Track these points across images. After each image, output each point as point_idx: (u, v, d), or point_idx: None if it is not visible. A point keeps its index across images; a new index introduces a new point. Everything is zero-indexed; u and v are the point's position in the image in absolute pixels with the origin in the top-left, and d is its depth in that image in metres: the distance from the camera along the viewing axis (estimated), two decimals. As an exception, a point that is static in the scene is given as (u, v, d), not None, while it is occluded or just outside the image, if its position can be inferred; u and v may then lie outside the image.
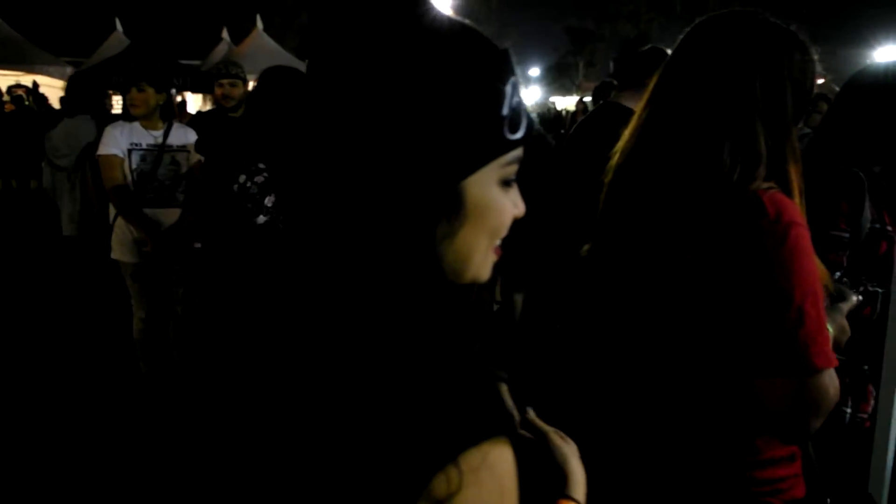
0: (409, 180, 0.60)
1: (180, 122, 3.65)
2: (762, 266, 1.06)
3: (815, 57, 1.17)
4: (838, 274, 1.60)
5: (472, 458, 0.55)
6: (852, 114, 1.76)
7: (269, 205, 2.29)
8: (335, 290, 0.62)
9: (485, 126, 0.63)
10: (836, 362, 1.05)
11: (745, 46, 1.14)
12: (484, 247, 0.66)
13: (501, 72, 0.64)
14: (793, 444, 1.19)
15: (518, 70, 0.67)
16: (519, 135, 0.66)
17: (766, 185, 1.11)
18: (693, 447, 1.19)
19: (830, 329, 1.19)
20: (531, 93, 27.93)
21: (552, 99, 27.47)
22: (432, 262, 0.63)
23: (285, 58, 10.91)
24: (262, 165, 2.29)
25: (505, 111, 0.64)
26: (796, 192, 1.13)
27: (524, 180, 0.71)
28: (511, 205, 0.68)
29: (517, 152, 0.67)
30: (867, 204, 1.63)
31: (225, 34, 13.12)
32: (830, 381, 1.06)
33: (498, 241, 0.68)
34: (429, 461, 0.54)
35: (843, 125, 1.77)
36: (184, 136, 3.45)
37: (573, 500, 0.78)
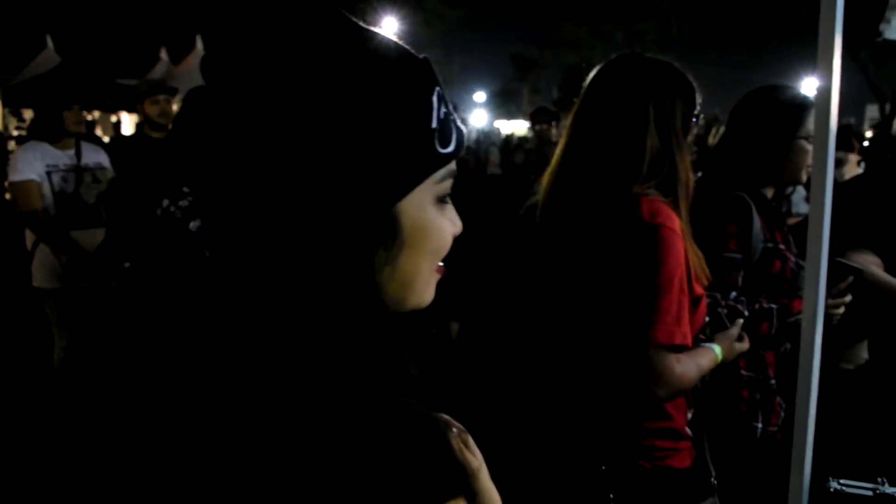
0: (340, 208, 0.54)
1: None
2: (631, 257, 1.30)
3: (695, 85, 1.44)
4: (734, 294, 1.66)
5: None
6: (740, 138, 1.84)
7: (194, 229, 2.19)
8: (266, 330, 0.54)
9: (414, 142, 0.57)
10: (679, 340, 1.28)
11: (640, 78, 1.40)
12: (426, 271, 0.62)
13: (426, 82, 0.59)
14: (660, 416, 1.36)
15: (441, 81, 0.62)
16: (451, 148, 0.60)
17: (649, 190, 1.35)
18: (587, 416, 1.38)
19: (719, 352, 1.44)
20: (477, 117, 28.25)
21: (496, 123, 27.88)
22: (372, 294, 0.57)
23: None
24: (186, 189, 2.20)
25: (434, 124, 0.58)
26: (682, 196, 1.38)
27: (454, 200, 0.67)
28: (449, 223, 0.63)
29: (451, 167, 0.61)
30: (756, 225, 1.71)
31: (163, 53, 12.84)
32: (676, 359, 1.28)
33: (440, 262, 0.63)
34: None
35: (732, 149, 1.84)
36: (95, 154, 3.34)
37: None
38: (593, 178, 1.40)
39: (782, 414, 1.75)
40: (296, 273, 0.54)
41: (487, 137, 13.90)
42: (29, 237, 3.23)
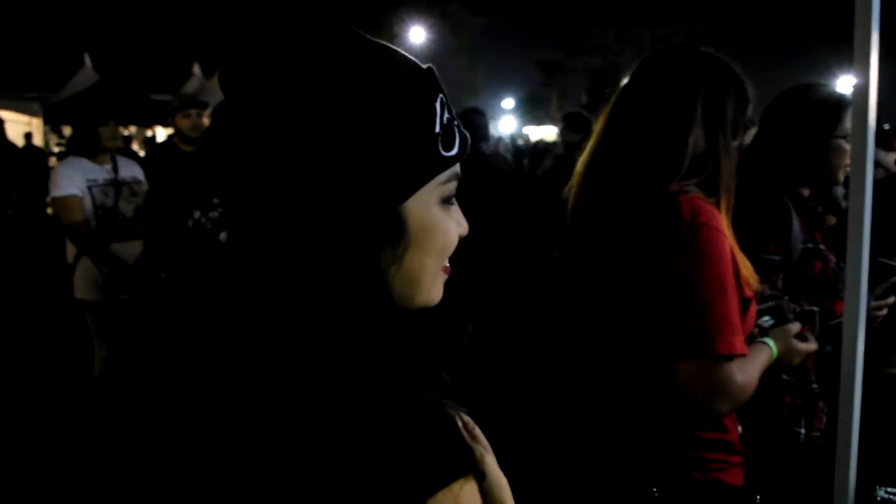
0: (348, 209, 0.58)
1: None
2: (676, 262, 1.20)
3: (748, 83, 1.34)
4: (786, 297, 1.61)
5: (444, 500, 0.53)
6: (775, 138, 1.79)
7: (224, 240, 2.22)
8: (282, 328, 0.58)
9: (418, 146, 0.61)
10: (739, 350, 1.19)
11: (687, 70, 1.31)
12: (432, 269, 0.65)
13: (429, 90, 0.63)
14: (715, 428, 1.29)
15: (444, 87, 0.66)
16: (454, 151, 0.64)
17: (688, 187, 1.26)
18: (636, 427, 1.30)
19: (773, 347, 1.36)
20: (506, 123, 28.24)
21: (525, 129, 27.78)
22: (380, 291, 0.60)
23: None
24: (216, 201, 2.23)
25: (437, 128, 0.62)
26: (724, 198, 1.29)
27: (466, 201, 0.70)
28: (454, 224, 0.66)
29: (454, 169, 0.65)
30: (795, 226, 1.67)
31: (196, 69, 13.09)
32: (737, 368, 1.19)
33: (446, 262, 0.66)
34: None
35: (768, 149, 1.80)
36: (131, 168, 3.41)
37: None
38: (627, 175, 1.31)
39: (825, 419, 1.70)
40: (308, 271, 0.58)
41: (500, 142, 13.74)
42: (70, 250, 3.31)
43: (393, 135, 0.59)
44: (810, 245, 1.70)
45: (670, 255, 1.21)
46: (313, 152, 0.57)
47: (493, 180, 3.74)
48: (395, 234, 0.61)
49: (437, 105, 0.63)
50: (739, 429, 1.37)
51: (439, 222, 0.64)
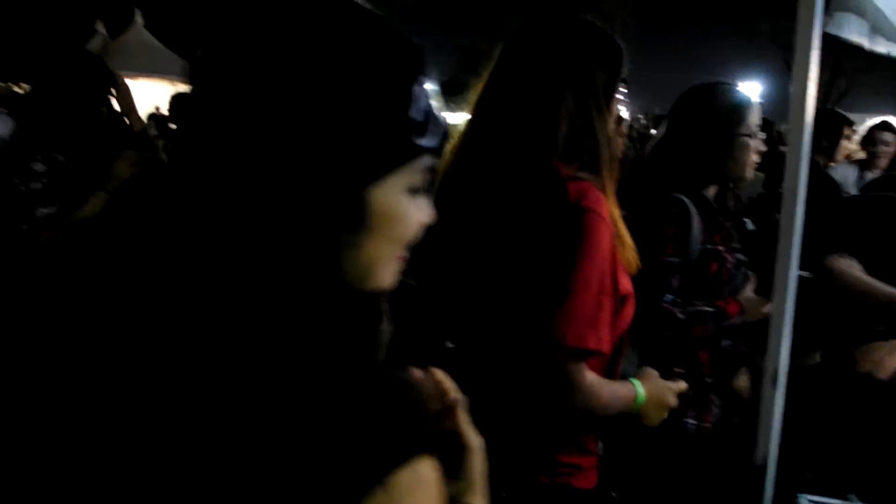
0: (309, 189, 0.55)
1: None
2: (548, 246, 1.14)
3: (623, 49, 1.27)
4: (670, 297, 1.64)
5: (405, 478, 0.52)
6: (681, 137, 1.81)
7: (41, 216, 1.95)
8: (225, 295, 0.54)
9: (391, 130, 0.58)
10: (592, 345, 1.12)
11: (554, 40, 1.24)
12: (387, 256, 0.62)
13: (409, 70, 0.59)
14: (568, 430, 1.23)
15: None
16: (429, 141, 0.61)
17: (581, 174, 1.18)
18: (496, 425, 1.16)
19: (638, 387, 1.26)
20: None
21: (443, 115, 27.90)
22: (333, 271, 0.57)
23: (167, 55, 10.26)
24: (39, 168, 1.98)
25: (414, 113, 0.59)
26: (605, 172, 1.21)
27: None
28: (418, 213, 0.63)
29: (427, 159, 0.62)
30: (695, 227, 1.69)
31: (101, 27, 12.26)
32: (589, 370, 1.14)
33: (403, 250, 0.64)
34: (360, 485, 0.50)
35: (674, 149, 1.82)
36: None
37: None
38: (500, 154, 1.23)
39: (716, 411, 1.75)
40: (260, 243, 0.55)
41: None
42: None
43: (364, 116, 0.56)
44: (708, 246, 1.73)
45: (544, 237, 1.16)
46: (277, 124, 0.54)
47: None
48: (355, 219, 0.58)
49: (417, 88, 0.59)
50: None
51: (403, 211, 0.61)
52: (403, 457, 0.53)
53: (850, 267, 1.98)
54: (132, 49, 9.82)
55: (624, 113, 1.42)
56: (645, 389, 1.27)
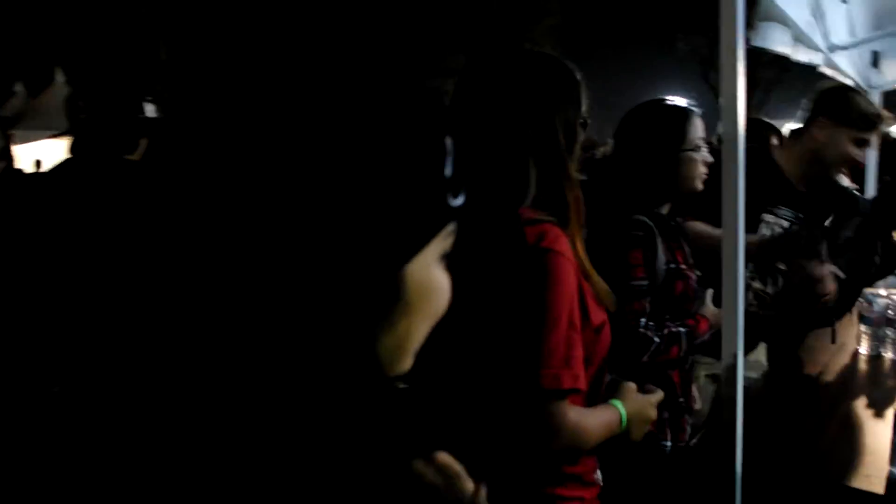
0: (347, 270, 0.47)
1: None
2: (514, 290, 1.13)
3: (581, 82, 1.25)
4: (644, 321, 1.64)
5: None
6: (627, 159, 1.82)
7: None
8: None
9: (429, 194, 0.49)
10: (567, 384, 1.11)
11: (509, 86, 1.20)
12: (421, 335, 0.54)
13: (439, 118, 0.51)
14: (569, 462, 1.21)
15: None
16: (461, 199, 0.52)
17: (540, 216, 1.17)
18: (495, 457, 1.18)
19: (621, 407, 1.26)
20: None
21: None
22: (368, 361, 0.50)
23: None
24: None
25: (448, 170, 0.50)
26: (573, 216, 1.20)
27: None
28: (450, 283, 0.55)
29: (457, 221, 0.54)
30: (660, 249, 1.70)
31: (19, 87, 11.87)
32: (569, 407, 1.12)
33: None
34: None
35: (623, 171, 1.82)
36: None
37: None
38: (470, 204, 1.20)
39: (690, 431, 1.77)
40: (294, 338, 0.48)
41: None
42: None
43: (403, 178, 0.48)
44: (672, 265, 1.74)
45: (508, 282, 1.15)
46: (304, 200, 0.47)
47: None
48: (392, 299, 0.50)
49: (448, 140, 0.51)
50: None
51: (439, 284, 0.53)
52: None
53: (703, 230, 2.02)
54: (52, 109, 9.52)
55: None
56: (626, 408, 1.27)
